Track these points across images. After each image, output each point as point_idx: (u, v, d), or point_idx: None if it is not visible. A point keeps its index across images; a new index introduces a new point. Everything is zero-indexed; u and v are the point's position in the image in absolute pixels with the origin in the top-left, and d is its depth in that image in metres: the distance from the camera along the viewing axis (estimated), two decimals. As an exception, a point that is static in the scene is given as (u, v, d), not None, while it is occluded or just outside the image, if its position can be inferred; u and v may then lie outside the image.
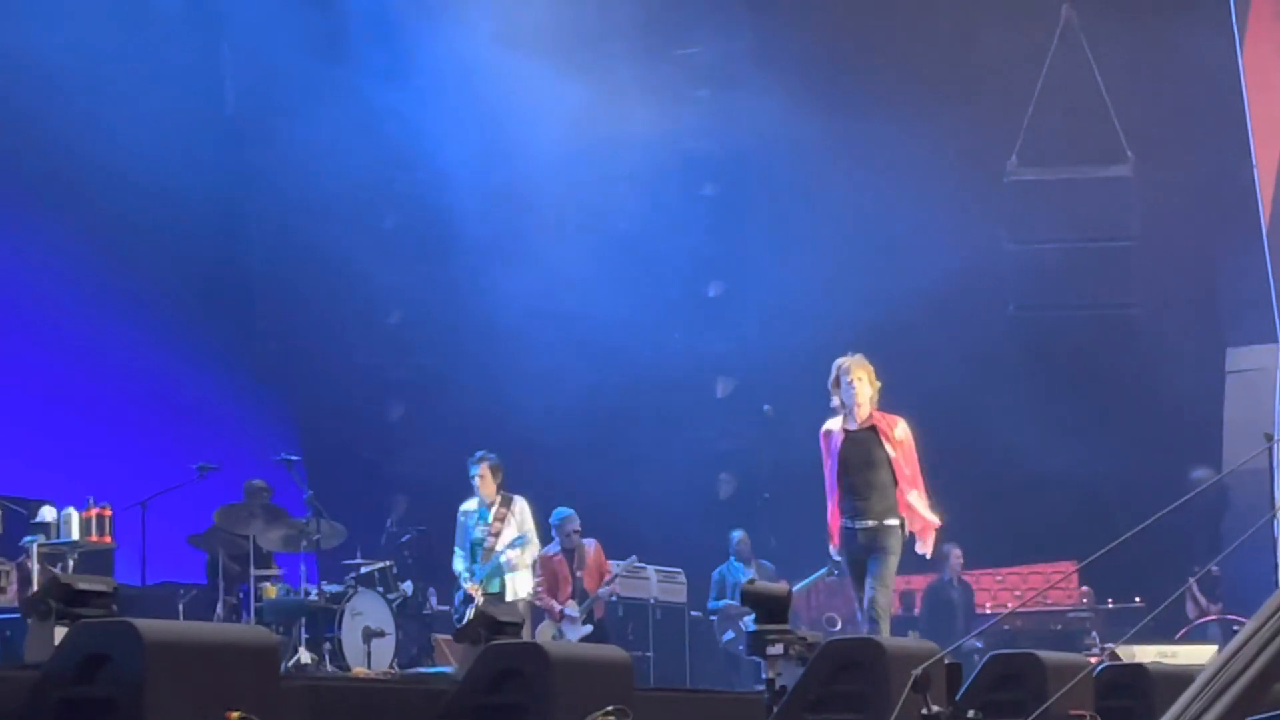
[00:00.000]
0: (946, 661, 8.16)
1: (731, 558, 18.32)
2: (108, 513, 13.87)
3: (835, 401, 12.26)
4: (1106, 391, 20.13)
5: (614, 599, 17.41)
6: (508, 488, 15.41)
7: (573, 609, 16.53)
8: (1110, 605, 17.88)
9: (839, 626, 18.53)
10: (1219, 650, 4.91)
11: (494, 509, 15.23)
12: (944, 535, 18.72)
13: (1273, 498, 14.40)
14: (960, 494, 19.66)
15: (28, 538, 13.56)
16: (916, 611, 18.91)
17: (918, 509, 12.10)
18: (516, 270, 19.81)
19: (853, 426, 12.20)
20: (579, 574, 16.73)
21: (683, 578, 18.49)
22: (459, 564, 15.41)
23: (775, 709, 8.34)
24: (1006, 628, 17.44)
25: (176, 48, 19.55)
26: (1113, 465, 18.99)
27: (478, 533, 15.17)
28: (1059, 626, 17.81)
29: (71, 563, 13.55)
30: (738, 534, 18.34)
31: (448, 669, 13.69)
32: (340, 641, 15.47)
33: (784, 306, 19.84)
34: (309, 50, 19.50)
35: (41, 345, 18.12)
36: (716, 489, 21.26)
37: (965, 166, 19.80)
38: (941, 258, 19.28)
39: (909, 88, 19.65)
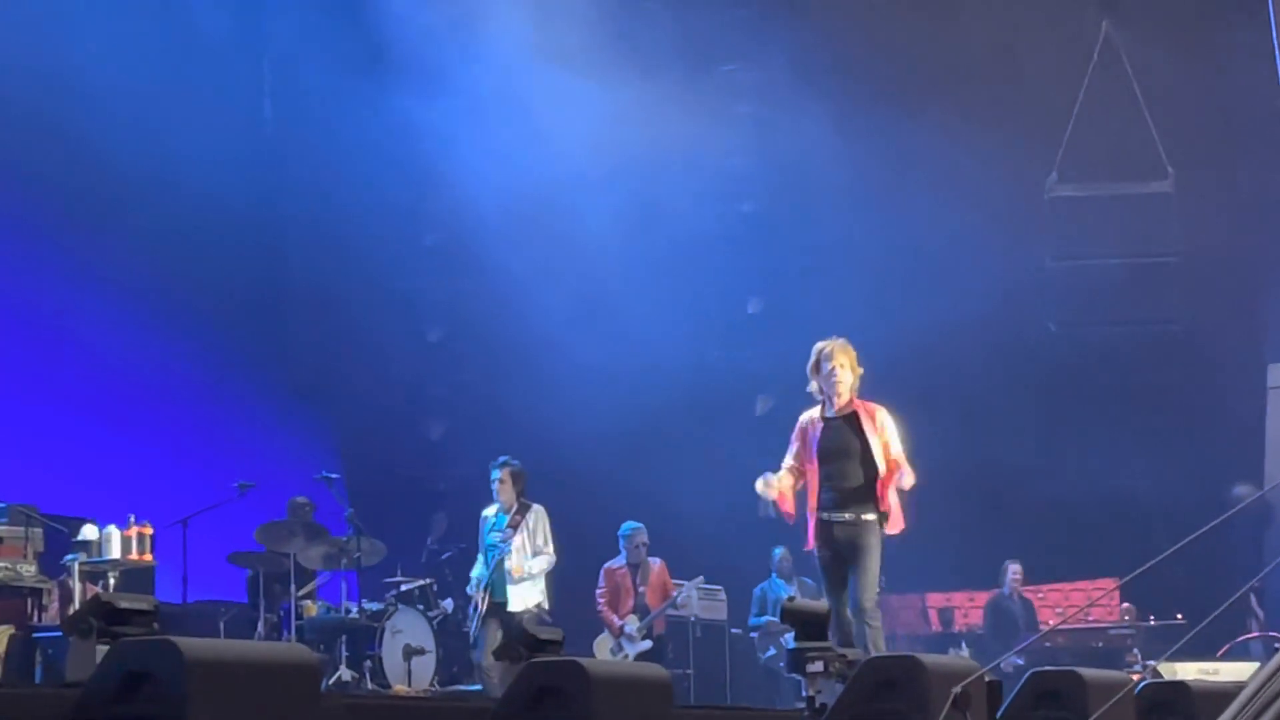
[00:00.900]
0: (987, 679, 8.14)
1: (773, 574, 18.31)
2: (149, 531, 13.92)
3: (812, 387, 11.69)
4: (1148, 408, 20.08)
5: (693, 620, 17.44)
6: (534, 498, 15.22)
7: (632, 625, 16.52)
8: (1152, 622, 17.78)
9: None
10: (1260, 668, 4.88)
11: (510, 516, 15.09)
12: (997, 553, 18.78)
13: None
14: (1000, 511, 19.69)
15: (69, 556, 13.59)
16: (979, 627, 18.93)
17: (894, 508, 11.41)
18: (556, 287, 19.83)
19: (831, 414, 11.65)
20: (642, 589, 16.73)
21: (724, 595, 18.44)
22: (476, 569, 15.30)
23: (815, 727, 8.34)
24: (1048, 645, 17.39)
25: (220, 67, 19.62)
26: (1154, 482, 18.94)
27: (492, 538, 15.08)
28: (1100, 644, 17.74)
29: (113, 581, 13.57)
30: (779, 551, 18.28)
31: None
32: (381, 659, 15.53)
33: (824, 324, 19.69)
34: (348, 69, 19.56)
35: (83, 363, 18.19)
36: (756, 506, 21.19)
37: (1005, 183, 19.78)
38: (982, 275, 19.26)
39: (948, 105, 19.62)
